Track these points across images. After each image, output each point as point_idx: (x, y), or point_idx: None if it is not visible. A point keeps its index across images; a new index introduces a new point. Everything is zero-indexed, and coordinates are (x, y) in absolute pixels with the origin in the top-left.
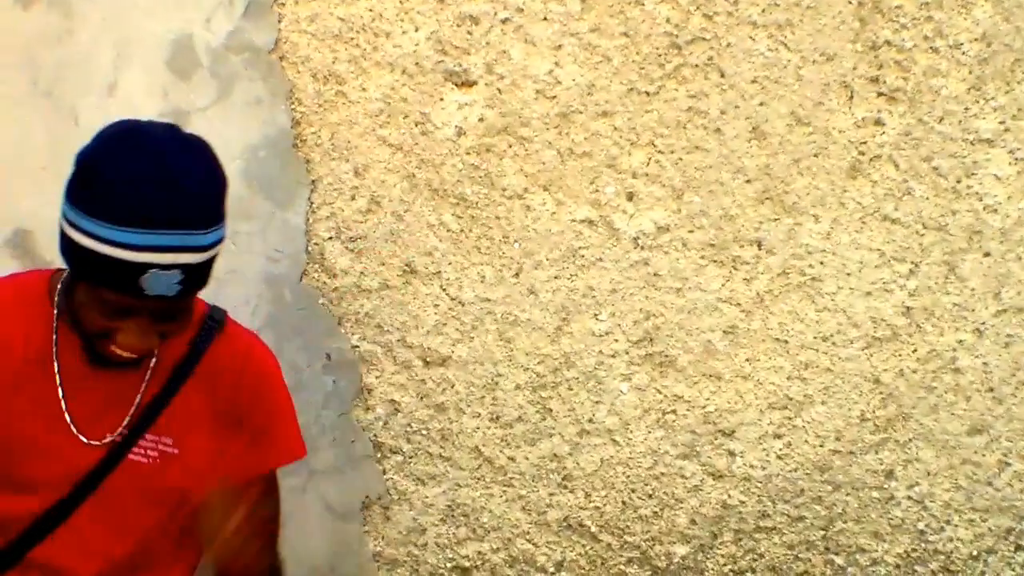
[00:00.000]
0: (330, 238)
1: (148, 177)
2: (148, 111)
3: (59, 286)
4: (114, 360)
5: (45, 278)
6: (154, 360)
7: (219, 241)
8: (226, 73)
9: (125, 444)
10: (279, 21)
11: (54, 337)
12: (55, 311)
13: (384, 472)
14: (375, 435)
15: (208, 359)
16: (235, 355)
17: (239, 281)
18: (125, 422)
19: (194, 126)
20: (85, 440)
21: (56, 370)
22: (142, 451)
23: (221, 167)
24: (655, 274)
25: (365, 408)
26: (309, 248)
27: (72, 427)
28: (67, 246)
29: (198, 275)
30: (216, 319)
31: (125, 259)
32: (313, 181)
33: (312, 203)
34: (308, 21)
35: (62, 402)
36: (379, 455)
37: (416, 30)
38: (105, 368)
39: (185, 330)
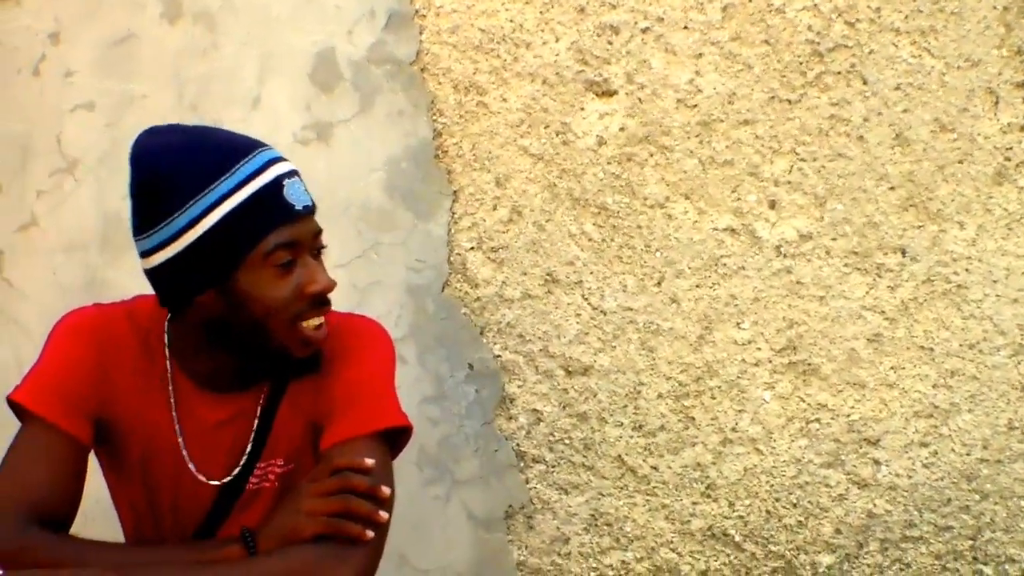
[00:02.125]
0: (472, 248)
1: (193, 133)
2: (291, 124)
3: (166, 323)
4: (300, 352)
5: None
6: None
7: None
8: (368, 85)
9: (239, 480)
10: (420, 33)
11: (168, 367)
12: (166, 340)
13: (527, 481)
14: (518, 444)
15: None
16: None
17: (382, 291)
18: (243, 459)
19: (336, 138)
20: (204, 479)
21: (172, 403)
22: (257, 481)
23: None
24: (798, 282)
25: (508, 417)
26: (451, 258)
27: (190, 465)
28: (213, 239)
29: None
30: None
31: (259, 187)
32: (455, 192)
33: (454, 213)
34: (449, 33)
35: (179, 437)
36: (522, 464)
37: (557, 40)
38: (221, 393)
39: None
